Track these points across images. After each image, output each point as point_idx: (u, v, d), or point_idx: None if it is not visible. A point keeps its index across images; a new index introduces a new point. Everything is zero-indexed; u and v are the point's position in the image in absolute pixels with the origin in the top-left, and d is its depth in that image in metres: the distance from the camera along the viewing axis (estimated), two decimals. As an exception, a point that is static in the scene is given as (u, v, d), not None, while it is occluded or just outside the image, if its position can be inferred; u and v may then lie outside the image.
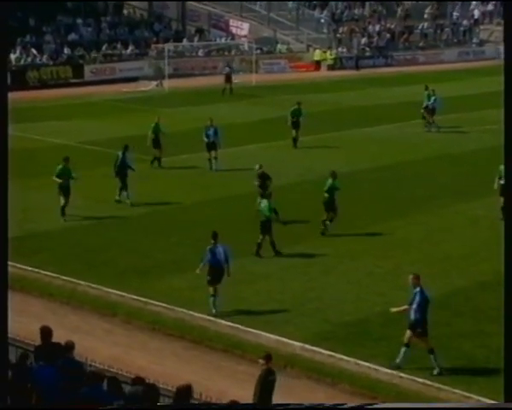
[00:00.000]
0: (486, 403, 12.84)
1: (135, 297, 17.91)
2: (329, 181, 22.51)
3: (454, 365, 14.98)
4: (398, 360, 14.93)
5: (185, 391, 10.03)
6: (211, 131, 29.41)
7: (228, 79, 45.83)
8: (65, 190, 23.38)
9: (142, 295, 17.95)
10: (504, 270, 10.60)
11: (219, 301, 17.13)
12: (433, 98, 35.83)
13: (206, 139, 29.31)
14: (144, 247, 21.22)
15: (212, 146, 29.28)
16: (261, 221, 20.48)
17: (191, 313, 17.14)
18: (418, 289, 15.23)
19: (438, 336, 16.06)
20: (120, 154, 25.65)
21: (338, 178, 22.89)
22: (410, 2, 70.78)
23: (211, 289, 17.11)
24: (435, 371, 14.79)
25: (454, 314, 17.11)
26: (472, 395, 13.77)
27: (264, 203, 20.75)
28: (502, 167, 23.85)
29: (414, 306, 15.08)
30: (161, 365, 14.80)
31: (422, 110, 36.03)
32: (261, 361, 12.61)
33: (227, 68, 46.93)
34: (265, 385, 12.34)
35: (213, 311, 16.99)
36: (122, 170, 25.27)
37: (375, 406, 9.42)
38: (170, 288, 18.53)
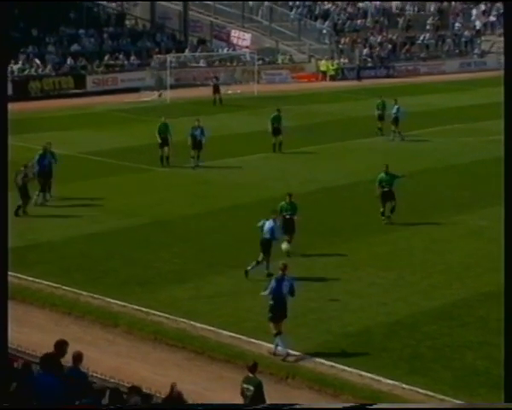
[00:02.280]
0: (487, 403, 12.74)
1: (137, 307, 17.89)
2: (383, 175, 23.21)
3: (456, 375, 14.93)
4: (280, 348, 15.57)
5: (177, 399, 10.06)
6: (198, 131, 30.85)
7: (216, 90, 46.52)
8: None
9: (144, 305, 17.94)
10: (504, 276, 10.60)
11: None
12: (395, 108, 36.16)
13: (191, 139, 30.67)
14: (146, 257, 21.20)
15: (198, 145, 30.73)
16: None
17: (193, 323, 17.11)
18: (284, 278, 15.71)
19: (440, 346, 16.04)
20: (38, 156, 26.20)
21: (340, 189, 22.89)
22: (411, 13, 70.95)
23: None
24: (280, 350, 15.51)
25: (457, 325, 17.07)
26: (458, 402, 13.71)
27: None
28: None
29: (274, 293, 15.66)
30: (163, 375, 14.76)
31: (391, 121, 36.36)
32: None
33: (214, 80, 47.65)
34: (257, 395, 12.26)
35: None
36: (45, 170, 26.02)
37: (375, 406, 9.41)
38: (172, 298, 18.50)
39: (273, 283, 15.98)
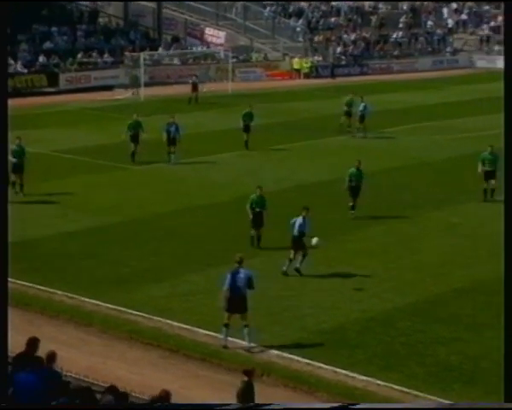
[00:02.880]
0: (484, 403, 12.81)
1: (111, 307, 17.83)
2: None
3: (430, 371, 15.07)
4: (222, 337, 15.80)
5: (164, 398, 10.04)
6: (172, 128, 31.19)
7: (194, 88, 46.65)
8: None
9: (119, 304, 17.88)
10: (504, 270, 10.67)
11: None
12: (362, 105, 36.49)
13: (166, 135, 31.01)
14: (121, 256, 21.14)
15: (172, 141, 31.07)
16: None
17: (168, 321, 17.09)
18: (239, 270, 15.85)
19: (414, 342, 16.18)
20: None
21: (314, 187, 23.02)
22: (384, 12, 71.33)
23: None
24: (246, 342, 15.71)
25: (430, 321, 17.22)
26: (448, 402, 13.84)
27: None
28: (484, 154, 26.11)
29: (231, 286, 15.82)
30: (139, 374, 14.75)
31: (357, 118, 36.73)
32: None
33: (194, 78, 47.70)
34: (245, 399, 12.17)
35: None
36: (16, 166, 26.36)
37: (358, 406, 9.44)
38: (147, 297, 18.47)
39: (228, 276, 16.02)
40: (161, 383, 13.91)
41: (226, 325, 15.94)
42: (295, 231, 19.78)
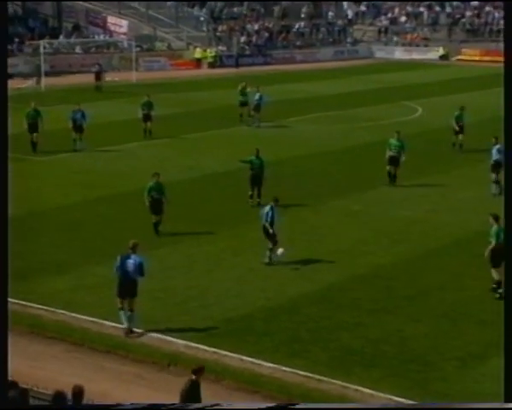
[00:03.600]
0: (484, 403, 12.99)
1: (13, 301, 17.44)
2: None
3: (333, 356, 15.43)
4: (125, 325, 16.00)
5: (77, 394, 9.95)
6: (78, 115, 31.33)
7: (98, 77, 46.06)
8: None
9: (21, 298, 17.52)
10: (505, 276, 10.98)
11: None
12: (258, 95, 37.03)
13: (71, 122, 31.12)
14: (21, 249, 20.68)
15: (79, 129, 31.16)
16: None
17: (73, 314, 16.87)
18: (130, 256, 16.09)
19: (318, 329, 16.51)
20: None
21: (218, 176, 23.09)
22: (287, 2, 72.03)
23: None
24: (125, 326, 16.00)
25: (333, 307, 17.60)
26: (350, 386, 14.21)
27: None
28: (391, 140, 27.48)
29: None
30: (41, 369, 14.52)
31: (252, 108, 37.19)
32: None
33: (97, 66, 47.09)
34: (188, 399, 11.75)
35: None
36: None
37: (298, 406, 9.47)
38: (51, 290, 18.16)
39: (118, 260, 16.19)
40: (65, 376, 13.76)
41: (121, 309, 16.12)
42: (263, 221, 20.08)
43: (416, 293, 18.44)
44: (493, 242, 17.93)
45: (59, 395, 10.09)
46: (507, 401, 9.59)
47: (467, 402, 13.44)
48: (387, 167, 27.15)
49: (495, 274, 17.92)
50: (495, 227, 18.02)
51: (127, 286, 16.04)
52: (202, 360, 15.14)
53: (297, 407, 9.39)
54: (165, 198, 21.74)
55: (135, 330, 16.16)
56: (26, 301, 17.42)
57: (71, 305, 17.28)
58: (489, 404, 12.19)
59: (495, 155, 25.97)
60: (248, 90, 38.10)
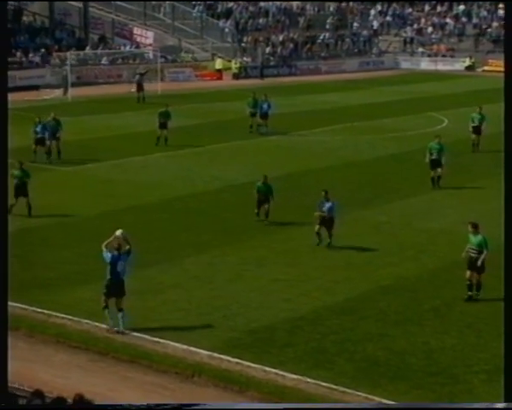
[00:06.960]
0: (485, 403, 12.90)
1: (38, 310, 17.54)
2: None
3: (358, 367, 15.30)
4: (110, 323, 16.35)
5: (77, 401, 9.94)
6: (41, 128, 30.94)
7: (139, 87, 46.07)
8: None
9: (46, 307, 17.60)
10: (504, 276, 10.88)
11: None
12: (266, 104, 37.35)
13: (37, 134, 30.73)
14: (47, 259, 20.80)
15: (41, 141, 31.00)
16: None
17: (97, 324, 16.91)
18: (120, 257, 16.55)
19: (342, 340, 16.39)
20: None
21: (243, 187, 23.07)
22: (311, 13, 72.12)
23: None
24: (120, 328, 16.27)
25: (358, 318, 17.48)
26: (375, 398, 14.08)
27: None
28: (431, 144, 28.24)
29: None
30: (66, 378, 14.54)
31: (259, 116, 37.57)
32: None
33: (137, 76, 46.97)
34: None
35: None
36: None
37: (297, 406, 9.37)
38: (75, 299, 18.23)
39: (109, 258, 16.68)
40: (89, 386, 13.78)
41: (106, 307, 16.57)
42: (325, 211, 21.93)
43: (442, 304, 18.27)
44: (485, 251, 18.25)
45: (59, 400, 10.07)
46: (507, 400, 9.49)
47: (467, 402, 13.31)
48: (431, 173, 27.86)
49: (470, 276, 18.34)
50: (480, 237, 18.29)
51: (116, 286, 16.55)
52: (225, 370, 15.11)
53: (296, 406, 9.32)
54: (272, 198, 23.37)
55: (124, 331, 16.39)
56: (50, 311, 17.49)
57: (95, 314, 17.32)
58: (489, 404, 12.08)
59: None
60: (258, 98, 38.26)
